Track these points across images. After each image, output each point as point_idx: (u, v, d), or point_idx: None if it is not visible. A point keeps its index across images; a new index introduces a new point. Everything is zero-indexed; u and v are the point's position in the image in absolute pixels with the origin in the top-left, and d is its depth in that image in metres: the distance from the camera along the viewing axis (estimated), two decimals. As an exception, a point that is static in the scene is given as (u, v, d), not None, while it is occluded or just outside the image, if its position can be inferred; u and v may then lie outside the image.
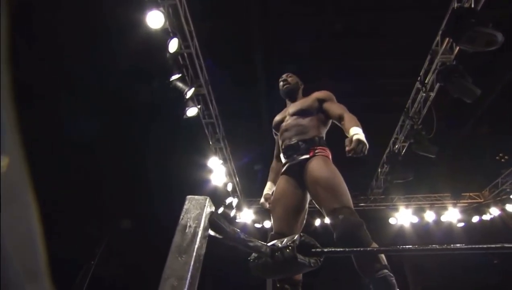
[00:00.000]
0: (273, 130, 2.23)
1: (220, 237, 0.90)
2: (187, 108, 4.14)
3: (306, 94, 2.23)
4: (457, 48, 4.01)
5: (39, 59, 3.67)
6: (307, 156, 1.79)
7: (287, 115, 2.09)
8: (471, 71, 3.95)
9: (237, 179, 6.78)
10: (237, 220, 7.38)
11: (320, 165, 1.70)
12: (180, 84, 3.91)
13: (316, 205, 1.70)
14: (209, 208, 0.87)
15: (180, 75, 3.86)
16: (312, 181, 1.67)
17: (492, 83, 4.99)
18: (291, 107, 2.11)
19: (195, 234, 0.79)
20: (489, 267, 8.18)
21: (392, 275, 1.34)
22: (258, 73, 4.94)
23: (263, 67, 5.00)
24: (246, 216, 7.66)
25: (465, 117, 5.85)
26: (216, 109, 5.14)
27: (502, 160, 6.94)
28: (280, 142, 2.06)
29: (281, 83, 2.28)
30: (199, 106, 4.51)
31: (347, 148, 1.49)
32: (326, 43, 4.88)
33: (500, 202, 7.29)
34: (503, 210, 7.20)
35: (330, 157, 1.84)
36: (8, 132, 0.29)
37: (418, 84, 4.85)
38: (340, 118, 1.80)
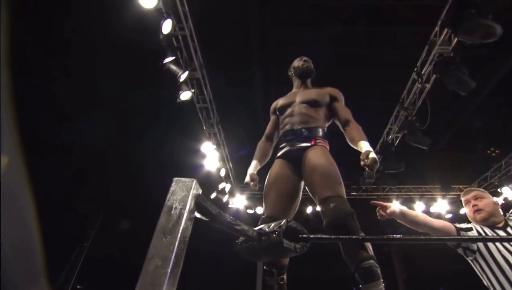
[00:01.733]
0: (275, 111, 2.19)
1: (206, 219, 0.90)
2: (180, 92, 4.06)
3: (314, 84, 2.27)
4: (455, 39, 3.97)
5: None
6: (308, 144, 1.81)
7: (295, 101, 2.06)
8: (468, 64, 3.95)
9: (231, 165, 6.77)
10: (229, 206, 7.43)
11: (319, 154, 1.72)
12: (173, 67, 3.82)
13: (309, 193, 1.71)
14: (195, 190, 0.87)
15: (173, 57, 3.77)
16: (309, 168, 1.68)
17: (486, 77, 5.00)
18: (301, 94, 2.09)
19: (180, 215, 0.79)
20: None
21: (377, 265, 1.34)
22: (254, 57, 4.85)
23: (259, 51, 4.91)
24: (238, 202, 7.70)
25: (458, 110, 5.88)
26: (210, 93, 5.07)
27: (493, 154, 7.04)
28: (281, 126, 2.05)
29: (300, 62, 2.27)
30: (193, 90, 4.43)
31: (362, 163, 1.57)
32: (323, 32, 4.80)
33: (488, 195, 7.43)
34: (490, 202, 7.34)
35: (328, 149, 1.86)
36: (7, 133, 0.29)
37: (414, 75, 4.82)
38: (346, 123, 1.86)
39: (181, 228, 0.79)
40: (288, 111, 2.04)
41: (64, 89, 3.87)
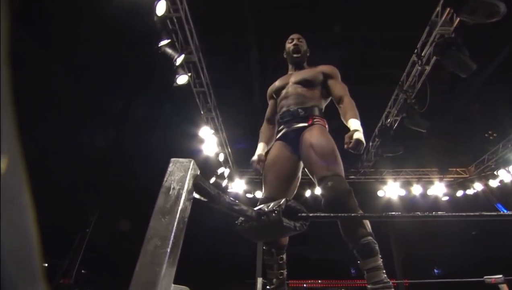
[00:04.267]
0: (272, 95, 2.16)
1: (205, 200, 0.90)
2: (177, 76, 4.00)
3: (310, 63, 2.18)
4: (457, 19, 3.89)
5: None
6: (305, 124, 1.79)
7: (289, 82, 2.03)
8: (469, 46, 3.88)
9: (229, 149, 6.77)
10: (228, 190, 7.48)
11: (317, 133, 1.70)
12: (169, 50, 3.74)
13: (308, 173, 1.71)
14: (193, 171, 0.87)
15: (169, 40, 3.68)
16: (307, 147, 1.67)
17: (487, 60, 4.93)
18: (295, 76, 2.04)
19: (178, 196, 0.79)
20: (468, 237, 8.62)
21: (375, 242, 1.37)
22: (251, 40, 4.75)
23: (256, 33, 4.81)
24: (237, 186, 7.76)
25: (458, 93, 5.84)
26: (207, 77, 4.99)
27: (491, 137, 7.06)
28: (278, 109, 2.02)
29: (291, 47, 2.14)
30: (189, 74, 4.36)
31: (346, 146, 1.57)
32: (320, 12, 4.68)
33: (484, 177, 7.52)
34: (486, 185, 7.45)
35: (327, 127, 1.84)
36: (7, 133, 0.29)
37: (414, 57, 4.75)
38: (340, 100, 1.83)
39: (179, 208, 0.79)
40: (283, 93, 2.01)
41: (57, 81, 3.79)
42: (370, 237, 1.36)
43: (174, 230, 0.75)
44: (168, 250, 0.72)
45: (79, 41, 3.67)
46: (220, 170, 6.58)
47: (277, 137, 1.93)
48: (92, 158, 5.76)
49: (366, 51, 5.25)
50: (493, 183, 7.20)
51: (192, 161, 0.89)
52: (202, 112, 5.33)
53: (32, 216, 0.33)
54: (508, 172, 6.66)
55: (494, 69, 5.05)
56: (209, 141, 5.59)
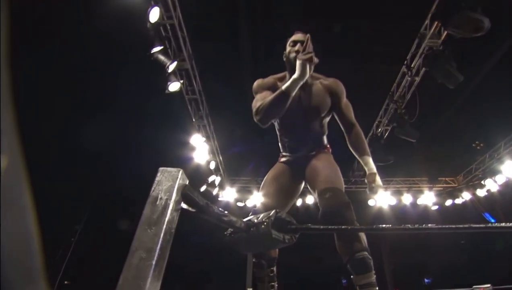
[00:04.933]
0: (266, 91, 1.79)
1: (193, 210, 0.88)
2: (169, 83, 3.97)
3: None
4: (445, 32, 4.00)
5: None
6: (314, 152, 1.81)
7: (295, 108, 1.69)
8: (456, 58, 3.99)
9: (221, 158, 6.72)
10: (219, 199, 7.39)
11: (324, 158, 1.76)
12: (161, 57, 3.72)
13: (310, 189, 1.73)
14: (182, 181, 0.85)
15: (162, 47, 3.66)
16: (313, 167, 1.70)
17: (473, 71, 5.07)
18: (302, 100, 1.71)
19: (166, 206, 0.76)
20: (457, 247, 8.70)
21: (370, 257, 1.33)
22: (244, 49, 4.77)
23: (250, 43, 4.84)
24: (228, 194, 7.68)
25: (446, 104, 5.97)
26: (199, 85, 4.98)
27: (478, 147, 7.21)
28: (280, 125, 1.84)
29: (293, 53, 1.69)
30: (181, 81, 4.33)
31: (368, 190, 1.58)
32: (313, 24, 4.75)
33: (472, 187, 7.65)
34: (474, 194, 7.57)
35: (331, 153, 1.88)
36: (7, 133, 0.29)
37: (404, 68, 4.85)
38: (350, 128, 1.74)
39: (166, 219, 0.78)
40: (289, 118, 1.74)
41: (46, 83, 3.72)
42: (365, 252, 1.33)
43: (160, 242, 0.72)
44: (154, 262, 0.69)
45: (69, 46, 3.62)
46: (211, 178, 6.51)
47: (282, 161, 1.92)
48: (80, 165, 5.63)
49: (359, 61, 5.33)
50: (481, 193, 7.32)
51: (181, 171, 0.86)
52: (194, 120, 5.30)
53: (32, 216, 0.32)
54: (495, 181, 6.78)
55: (481, 80, 5.19)
56: (200, 149, 5.54)
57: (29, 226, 0.32)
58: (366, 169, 1.63)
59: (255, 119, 1.64)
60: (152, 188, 0.83)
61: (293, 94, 1.52)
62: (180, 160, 5.32)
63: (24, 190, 0.32)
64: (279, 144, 1.97)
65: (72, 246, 7.04)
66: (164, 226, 0.75)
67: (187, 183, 0.87)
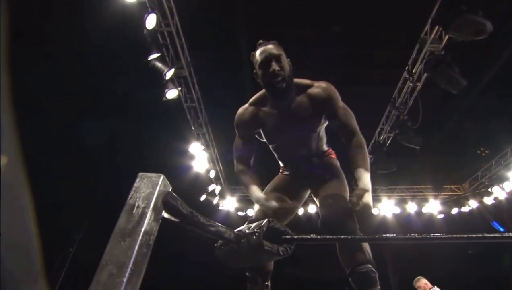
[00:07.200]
0: (247, 130, 1.64)
1: (176, 220, 0.80)
2: (166, 90, 3.93)
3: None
4: (446, 37, 3.95)
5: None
6: (317, 161, 1.70)
7: (283, 131, 1.55)
8: (459, 62, 3.93)
9: (220, 166, 6.64)
10: (219, 208, 7.28)
11: (328, 164, 1.68)
12: (159, 64, 3.69)
13: (313, 196, 1.65)
14: (163, 187, 0.78)
15: (159, 54, 3.64)
16: (316, 174, 1.62)
17: (478, 76, 5.00)
18: (286, 117, 1.52)
19: (143, 215, 0.70)
20: (464, 256, 8.47)
21: (375, 271, 1.21)
22: (243, 56, 4.75)
23: (249, 50, 4.82)
24: (229, 204, 7.56)
25: (450, 110, 5.88)
26: (198, 92, 4.94)
27: (483, 154, 7.08)
28: (274, 150, 1.74)
29: (267, 75, 1.42)
30: (179, 89, 4.29)
31: (354, 207, 1.33)
32: (313, 31, 4.73)
33: (479, 194, 7.47)
34: (481, 202, 7.39)
35: (335, 157, 1.78)
36: (7, 133, 0.29)
37: (405, 74, 4.79)
38: (349, 137, 1.49)
39: (143, 229, 0.71)
40: (280, 142, 1.64)
41: (41, 87, 3.71)
42: (369, 265, 1.21)
43: (134, 256, 0.64)
44: (125, 280, 0.61)
45: (64, 53, 3.61)
46: (211, 187, 6.42)
47: (285, 173, 1.80)
48: (79, 174, 5.58)
49: (360, 68, 5.29)
50: (488, 201, 7.14)
51: (162, 176, 0.79)
52: (193, 128, 5.24)
53: (32, 215, 0.33)
54: (502, 189, 6.62)
55: (485, 85, 5.11)
56: (199, 157, 5.47)
57: (29, 226, 0.33)
58: (358, 184, 1.36)
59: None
60: (129, 195, 0.77)
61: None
62: (179, 169, 5.25)
63: (23, 190, 0.32)
64: (278, 161, 1.85)
65: (70, 256, 6.94)
66: (140, 237, 0.68)
67: (169, 189, 0.79)
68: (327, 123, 1.66)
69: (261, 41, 1.50)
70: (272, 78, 1.40)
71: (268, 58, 1.40)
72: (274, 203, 1.38)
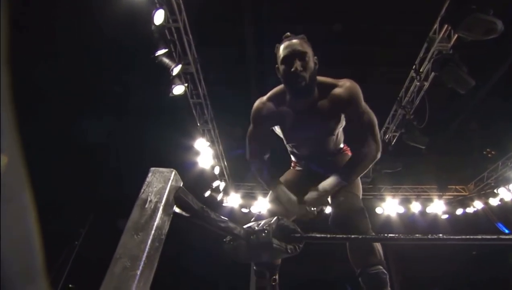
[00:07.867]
0: (265, 123, 1.55)
1: (187, 215, 0.81)
2: (173, 86, 3.94)
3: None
4: (455, 36, 3.90)
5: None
6: (331, 158, 1.67)
7: (302, 131, 1.51)
8: (467, 62, 3.88)
9: (225, 163, 6.66)
10: (223, 204, 7.31)
11: (342, 161, 1.59)
12: (166, 60, 3.70)
13: None
14: (174, 182, 0.78)
15: (166, 50, 3.64)
16: (330, 171, 1.56)
17: (485, 77, 4.94)
18: (305, 117, 1.45)
19: (155, 209, 0.71)
20: (468, 257, 8.42)
21: (386, 272, 1.20)
22: (250, 53, 4.74)
23: (256, 47, 4.81)
24: (233, 200, 7.59)
25: (456, 110, 5.82)
26: (204, 89, 4.95)
27: (489, 155, 7.01)
28: (288, 145, 1.70)
29: (287, 71, 1.32)
30: (186, 85, 4.31)
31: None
32: (320, 28, 4.69)
33: (484, 195, 7.41)
34: (486, 203, 7.33)
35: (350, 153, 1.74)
36: (7, 132, 0.29)
37: (412, 73, 4.75)
38: (359, 143, 1.43)
39: (155, 224, 0.72)
40: (297, 142, 1.61)
41: (49, 86, 3.74)
42: (380, 267, 1.19)
43: (147, 249, 0.64)
44: (138, 272, 0.62)
45: (72, 48, 3.63)
46: (215, 184, 6.44)
47: (295, 168, 1.78)
48: (85, 168, 5.64)
49: (366, 66, 5.25)
50: (493, 202, 7.08)
51: (174, 171, 0.80)
52: (198, 124, 5.26)
53: (33, 215, 0.33)
54: (508, 190, 6.56)
55: (493, 86, 5.05)
56: (204, 153, 5.49)
57: (29, 226, 0.32)
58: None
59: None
60: (142, 190, 0.78)
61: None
62: (184, 164, 5.28)
63: (24, 190, 0.32)
64: (290, 156, 1.82)
65: (76, 249, 7.03)
66: (153, 232, 0.70)
67: (181, 185, 0.80)
68: (344, 124, 1.59)
69: (288, 34, 1.40)
70: (293, 78, 1.31)
71: (292, 55, 1.30)
72: (296, 204, 1.39)
